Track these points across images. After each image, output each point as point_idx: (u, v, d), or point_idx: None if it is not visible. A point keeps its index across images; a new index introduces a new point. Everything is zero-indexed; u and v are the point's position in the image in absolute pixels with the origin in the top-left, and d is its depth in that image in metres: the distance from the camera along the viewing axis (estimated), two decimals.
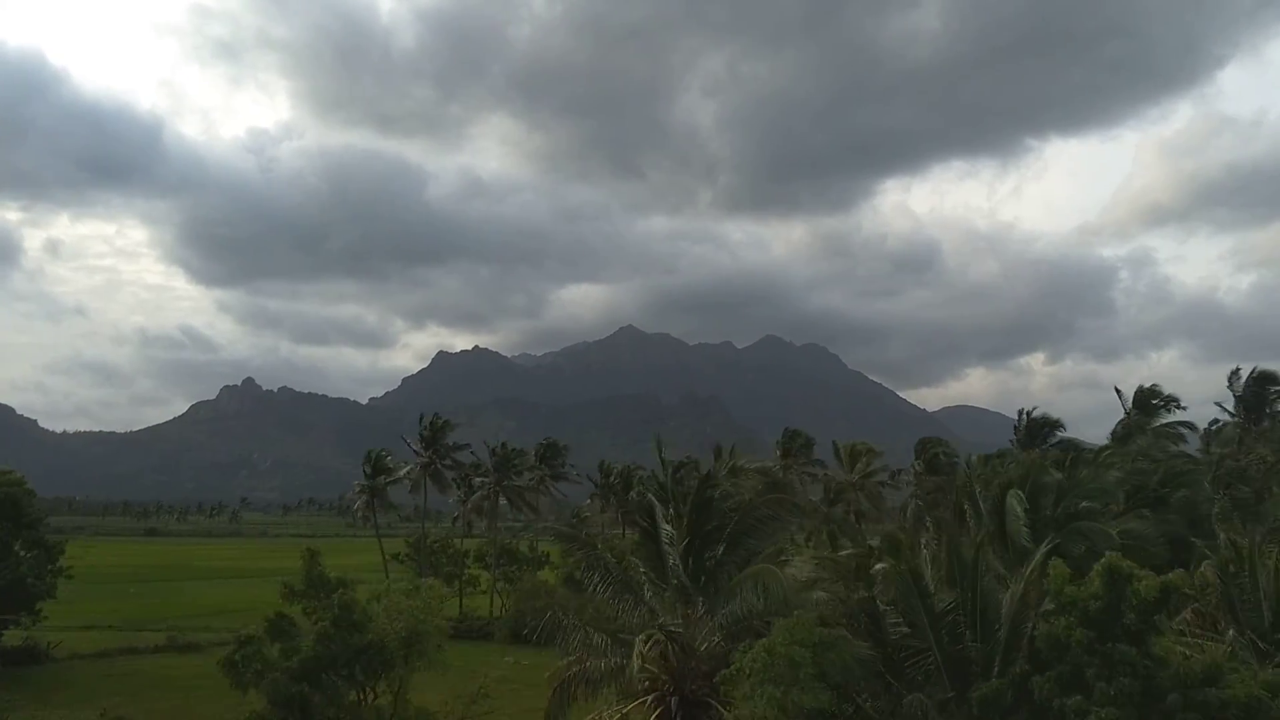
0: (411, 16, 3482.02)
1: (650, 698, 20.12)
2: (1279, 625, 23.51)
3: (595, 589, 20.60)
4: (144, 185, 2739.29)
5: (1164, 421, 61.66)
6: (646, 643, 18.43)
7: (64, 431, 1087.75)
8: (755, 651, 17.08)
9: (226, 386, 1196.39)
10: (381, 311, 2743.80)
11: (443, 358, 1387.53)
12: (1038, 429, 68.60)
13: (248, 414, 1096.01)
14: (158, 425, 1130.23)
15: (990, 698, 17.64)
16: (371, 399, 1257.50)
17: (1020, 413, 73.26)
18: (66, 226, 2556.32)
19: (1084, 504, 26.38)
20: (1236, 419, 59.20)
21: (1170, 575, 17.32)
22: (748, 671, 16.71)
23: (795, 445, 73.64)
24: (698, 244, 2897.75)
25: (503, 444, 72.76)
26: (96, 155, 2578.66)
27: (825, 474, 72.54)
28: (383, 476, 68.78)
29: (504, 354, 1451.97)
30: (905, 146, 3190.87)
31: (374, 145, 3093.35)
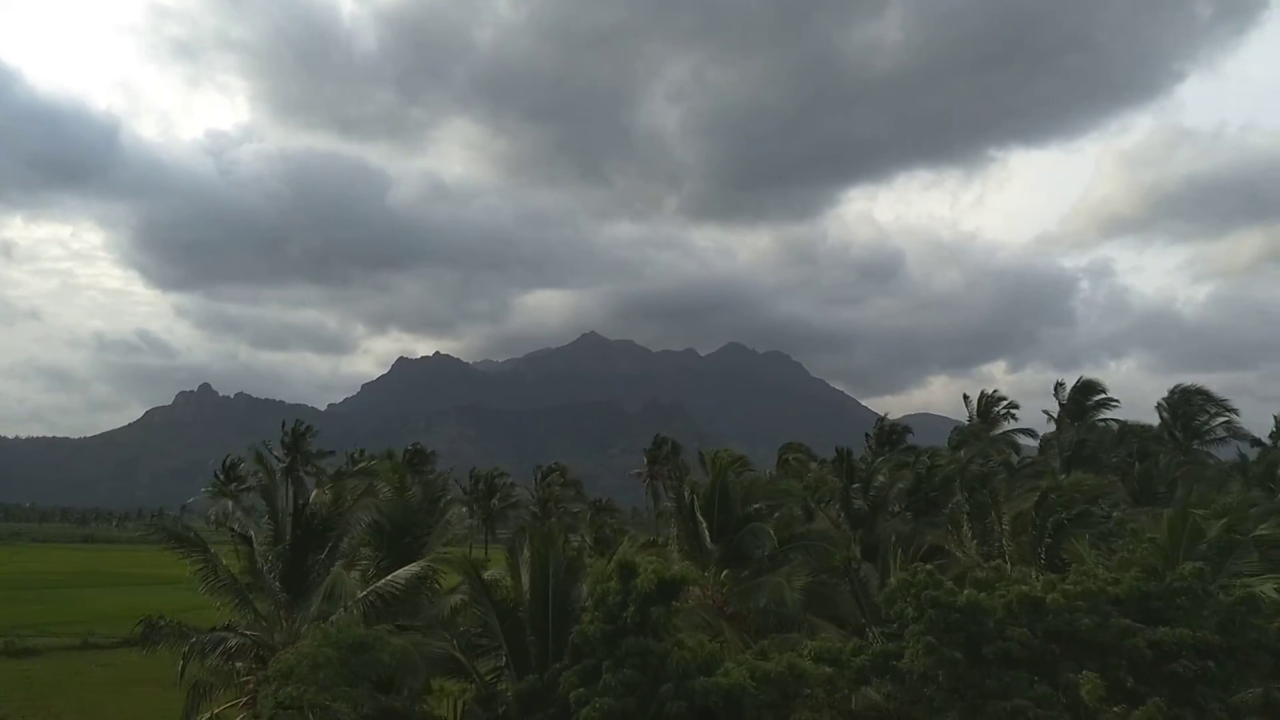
0: (373, 19, 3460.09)
1: (244, 700, 20.72)
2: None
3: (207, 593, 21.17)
4: (100, 187, 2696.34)
5: (1006, 429, 63.45)
6: (215, 646, 19.03)
7: (16, 437, 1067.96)
8: (285, 654, 17.76)
9: (183, 392, 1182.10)
10: (343, 317, 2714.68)
11: (403, 364, 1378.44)
12: (887, 436, 70.21)
13: (204, 420, 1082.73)
14: (113, 431, 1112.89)
15: (526, 692, 18.49)
16: (330, 405, 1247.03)
17: (879, 419, 74.99)
18: (21, 228, 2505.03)
19: (755, 506, 27.44)
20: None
21: (678, 569, 18.28)
22: (272, 675, 17.36)
23: (662, 453, 75.35)
24: (663, 250, 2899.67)
25: (361, 450, 73.13)
26: (51, 156, 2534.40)
27: (688, 479, 73.72)
28: (234, 484, 69.04)
29: (465, 360, 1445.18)
30: (870, 156, 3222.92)
31: (335, 148, 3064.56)
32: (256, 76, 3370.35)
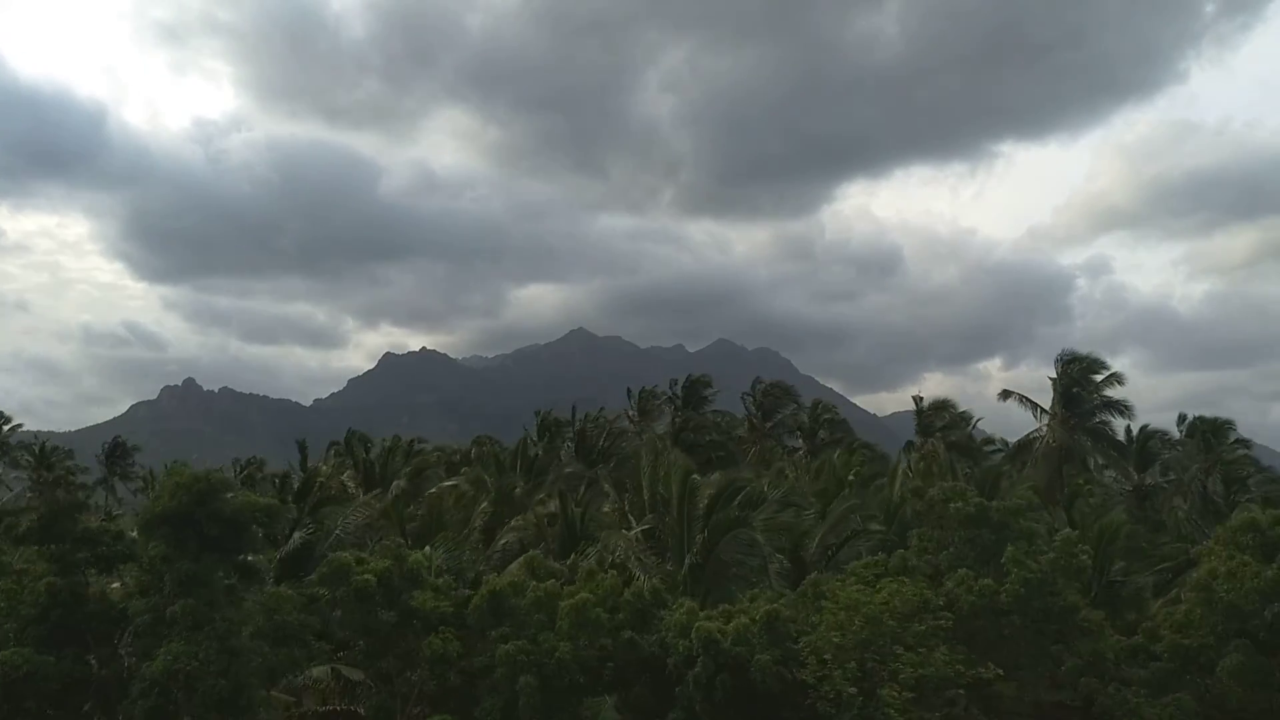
0: (361, 4, 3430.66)
1: None
2: None
3: None
4: (88, 176, 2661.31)
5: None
6: None
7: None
8: None
9: (167, 387, 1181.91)
10: (333, 310, 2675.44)
11: (389, 359, 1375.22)
12: (553, 428, 72.07)
13: (188, 414, 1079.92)
14: (97, 425, 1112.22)
15: None
16: (316, 400, 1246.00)
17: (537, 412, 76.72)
18: (7, 217, 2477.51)
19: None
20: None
21: None
22: None
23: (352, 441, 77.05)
24: (659, 244, 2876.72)
25: (42, 444, 74.02)
26: (36, 144, 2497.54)
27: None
28: None
29: (453, 355, 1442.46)
30: (868, 150, 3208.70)
31: (324, 137, 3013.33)
32: (244, 62, 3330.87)
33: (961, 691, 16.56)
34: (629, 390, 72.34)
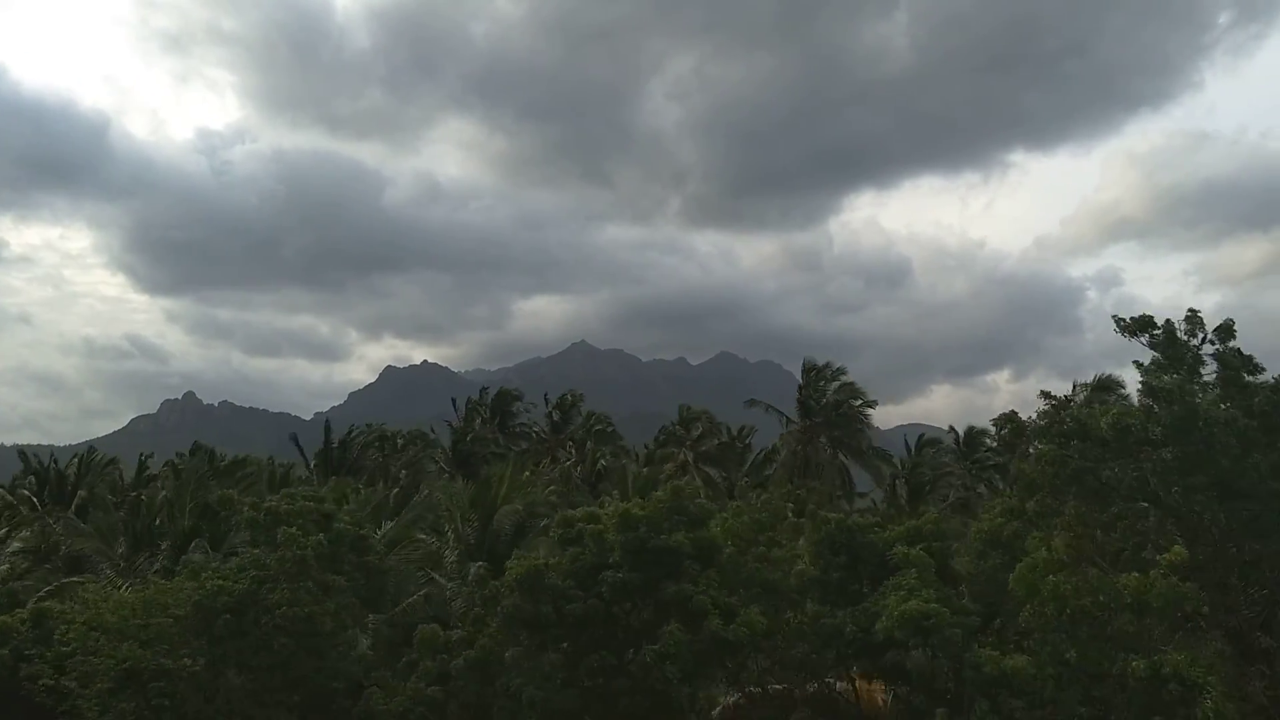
0: (366, 14, 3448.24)
1: None
2: None
3: None
4: (91, 187, 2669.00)
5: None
6: None
7: (1, 445, 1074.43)
8: None
9: (167, 400, 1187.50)
10: (336, 323, 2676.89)
11: (390, 372, 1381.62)
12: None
13: (187, 428, 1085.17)
14: (99, 439, 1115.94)
15: None
16: (317, 414, 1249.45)
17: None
18: (10, 229, 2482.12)
19: None
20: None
21: None
22: None
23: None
24: (666, 255, 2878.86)
25: None
26: (40, 155, 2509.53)
27: None
28: None
29: (455, 369, 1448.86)
30: (877, 160, 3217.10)
31: (328, 148, 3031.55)
32: (248, 72, 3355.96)
33: (162, 684, 17.25)
34: (470, 399, 73.36)
